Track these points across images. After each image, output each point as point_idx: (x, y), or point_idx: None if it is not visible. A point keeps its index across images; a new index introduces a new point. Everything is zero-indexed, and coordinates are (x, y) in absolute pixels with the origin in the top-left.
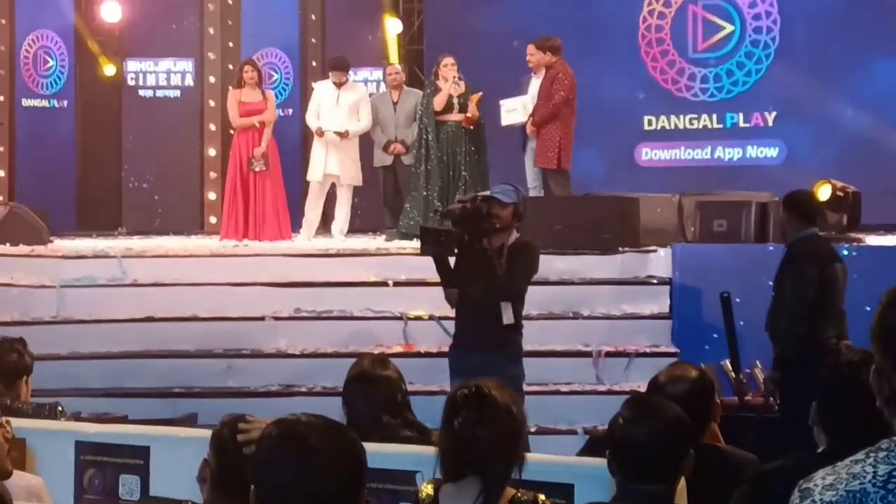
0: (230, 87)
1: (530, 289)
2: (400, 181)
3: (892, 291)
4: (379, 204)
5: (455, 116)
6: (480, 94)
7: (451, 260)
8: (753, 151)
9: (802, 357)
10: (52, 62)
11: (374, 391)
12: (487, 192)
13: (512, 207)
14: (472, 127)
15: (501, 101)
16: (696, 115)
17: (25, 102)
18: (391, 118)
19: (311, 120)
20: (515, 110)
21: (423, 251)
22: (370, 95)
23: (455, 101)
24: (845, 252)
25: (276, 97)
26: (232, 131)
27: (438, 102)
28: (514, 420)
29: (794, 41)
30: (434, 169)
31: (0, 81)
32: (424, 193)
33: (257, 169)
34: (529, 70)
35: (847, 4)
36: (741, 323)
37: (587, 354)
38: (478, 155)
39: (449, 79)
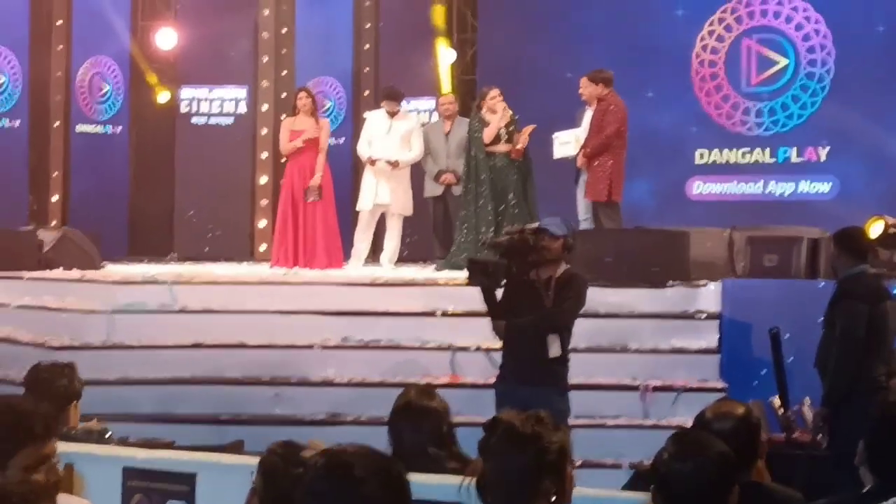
0: (283, 116)
1: (578, 321)
2: (450, 211)
3: None
4: (429, 234)
5: (503, 147)
6: (534, 126)
7: (499, 291)
8: (806, 186)
9: (851, 395)
10: (107, 88)
11: (421, 422)
12: (536, 224)
13: (562, 240)
14: (520, 158)
15: (555, 134)
16: (748, 150)
17: (80, 128)
18: (443, 148)
19: (363, 149)
20: (568, 143)
21: (471, 282)
22: (422, 125)
23: (502, 131)
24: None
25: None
26: (283, 160)
27: (488, 135)
28: (548, 451)
29: (848, 75)
30: (483, 200)
31: (55, 106)
32: (474, 224)
33: (311, 199)
34: (583, 102)
35: None
36: (790, 359)
37: (634, 388)
38: (525, 186)
39: (498, 111)
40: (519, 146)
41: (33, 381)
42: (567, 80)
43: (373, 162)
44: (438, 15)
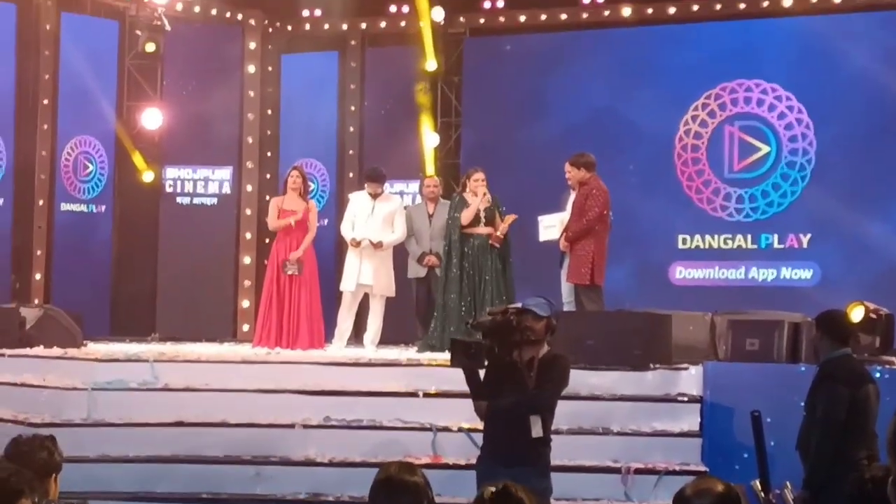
0: (267, 197)
1: (560, 402)
2: (433, 293)
3: None
4: (411, 315)
5: (481, 230)
6: (515, 217)
7: (482, 372)
8: (788, 273)
9: (832, 478)
10: (91, 167)
11: (401, 497)
12: (519, 305)
13: (546, 321)
14: (496, 246)
15: (540, 217)
16: (730, 235)
17: (64, 206)
18: (426, 230)
19: (346, 230)
20: (553, 226)
21: (453, 363)
22: (405, 207)
23: (482, 214)
24: (878, 374)
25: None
26: (267, 240)
27: (466, 217)
28: None
29: (829, 163)
30: (461, 281)
31: (40, 185)
32: (451, 305)
33: (289, 272)
34: (568, 186)
35: (882, 127)
36: (772, 443)
37: (616, 471)
38: (503, 268)
39: (479, 194)
40: (498, 233)
41: (13, 454)
42: (550, 164)
43: (356, 243)
44: (423, 98)
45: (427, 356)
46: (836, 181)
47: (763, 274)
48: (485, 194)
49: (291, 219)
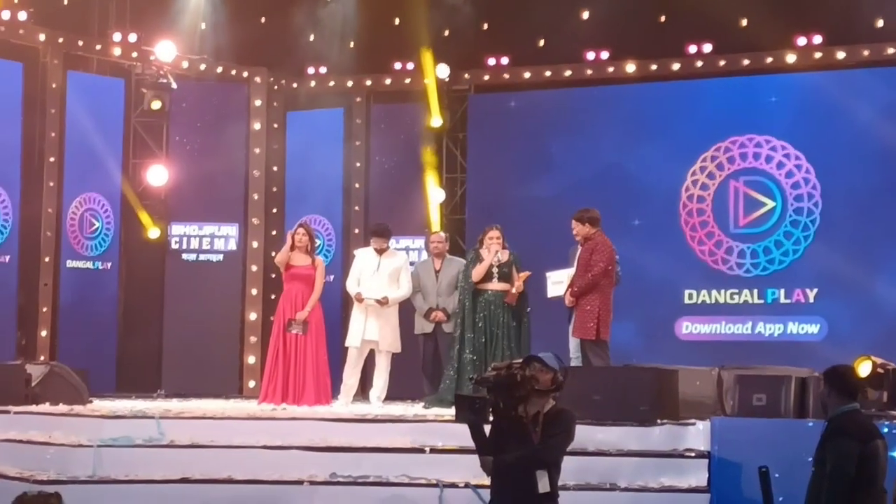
0: (272, 253)
1: (566, 458)
2: (440, 349)
3: None
4: (417, 371)
5: (495, 286)
6: (529, 273)
7: (487, 427)
8: (794, 328)
9: None
10: (97, 224)
11: None
12: (525, 357)
13: (552, 374)
14: (514, 304)
15: (548, 273)
16: (737, 290)
17: (70, 263)
18: (433, 286)
19: (352, 286)
20: (561, 282)
21: (458, 418)
22: (412, 263)
23: (495, 270)
24: (885, 429)
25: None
26: (273, 296)
27: (477, 273)
28: None
29: (835, 218)
30: (472, 337)
31: (46, 242)
32: (463, 361)
33: (294, 331)
34: (576, 241)
35: (887, 183)
36: (780, 499)
37: None
38: (518, 325)
39: (491, 251)
40: (514, 291)
41: None
42: (557, 219)
43: (361, 299)
44: (428, 155)
45: (434, 412)
46: (842, 235)
47: (770, 329)
48: (497, 251)
49: (300, 264)
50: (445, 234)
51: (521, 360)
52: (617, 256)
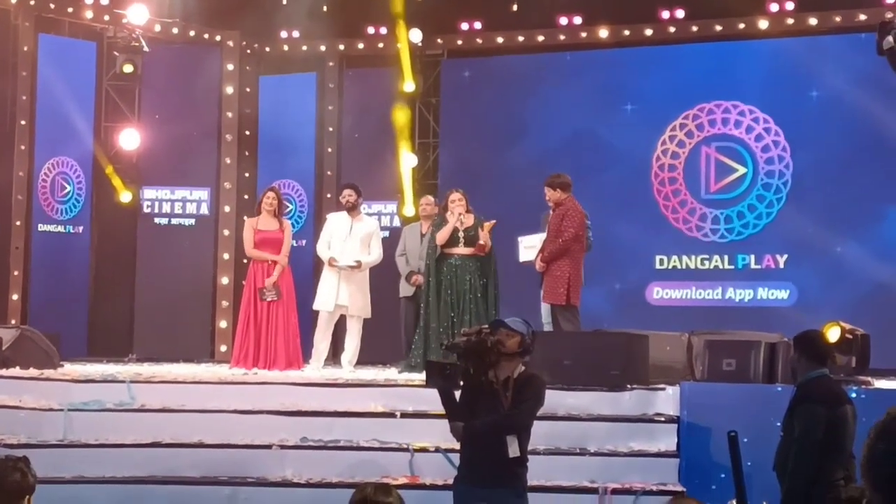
0: (244, 217)
1: (537, 423)
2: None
3: (879, 426)
4: (389, 336)
5: (461, 250)
6: (494, 221)
7: (458, 393)
8: (764, 293)
9: (810, 499)
10: (69, 188)
11: None
12: (492, 322)
13: (519, 337)
14: (483, 254)
15: (520, 238)
16: (707, 256)
17: (41, 227)
18: (417, 249)
19: (322, 250)
20: (533, 247)
21: (429, 384)
22: (384, 228)
23: (461, 234)
24: (854, 394)
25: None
26: (245, 261)
27: (441, 237)
28: None
29: (805, 184)
30: (441, 301)
31: (17, 206)
32: (432, 326)
33: (268, 299)
34: (549, 206)
35: (856, 152)
36: (749, 463)
37: (593, 491)
38: (486, 286)
39: (455, 214)
40: (481, 242)
41: None
42: (529, 184)
43: (335, 263)
44: (401, 119)
45: (404, 377)
46: (812, 201)
47: (740, 294)
48: (461, 214)
49: (269, 256)
50: (434, 198)
51: (490, 324)
52: (588, 222)
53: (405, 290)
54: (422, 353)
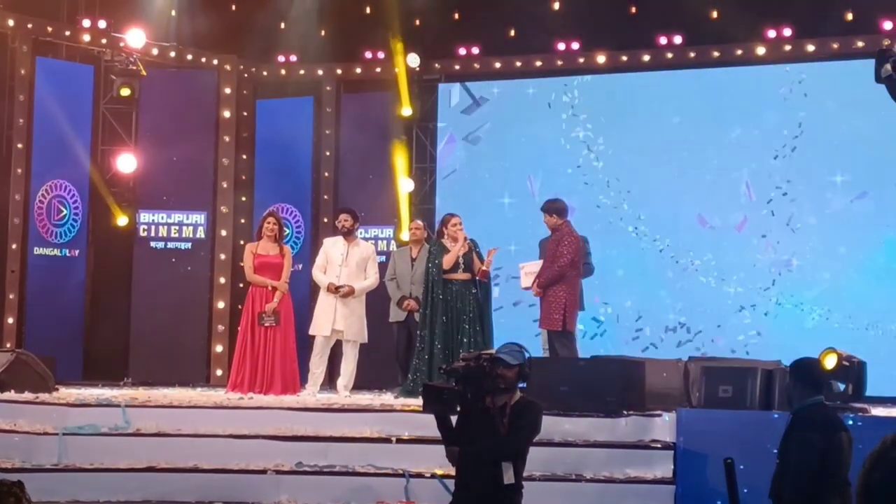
0: (241, 241)
1: (532, 449)
2: (413, 337)
3: (875, 454)
4: (384, 361)
5: (459, 275)
6: (497, 248)
7: (454, 418)
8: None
9: None
10: (65, 211)
11: None
12: (492, 351)
13: (517, 368)
14: (486, 280)
15: (521, 264)
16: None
17: (37, 251)
18: (408, 274)
19: (318, 275)
20: (534, 273)
21: (426, 409)
22: (381, 253)
23: (460, 259)
24: (850, 422)
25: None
26: (241, 285)
27: (447, 262)
28: None
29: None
30: (439, 327)
31: (13, 229)
32: (429, 351)
33: (266, 324)
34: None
35: (852, 174)
36: (745, 490)
37: None
38: (482, 312)
39: (459, 239)
40: (485, 268)
41: None
42: (528, 209)
43: (335, 288)
44: (398, 144)
45: (400, 402)
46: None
47: None
48: (465, 239)
49: (269, 283)
50: (424, 222)
51: (489, 353)
52: (588, 247)
53: (396, 314)
54: (421, 377)
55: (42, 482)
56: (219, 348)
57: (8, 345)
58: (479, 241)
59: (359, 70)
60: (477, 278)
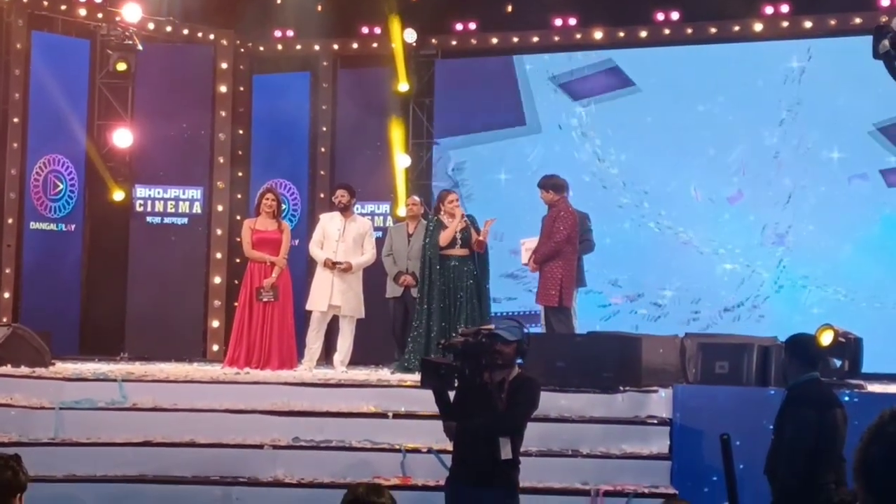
0: (237, 217)
1: (529, 425)
2: (409, 313)
3: (872, 429)
4: (380, 336)
5: (457, 251)
6: (494, 219)
7: (452, 393)
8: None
9: (799, 502)
10: (61, 186)
11: None
12: (491, 327)
13: (515, 344)
14: (482, 251)
15: (521, 240)
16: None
17: (33, 225)
18: (404, 249)
19: (315, 250)
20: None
21: (423, 384)
22: (377, 229)
23: (458, 235)
24: (846, 398)
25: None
26: (238, 260)
27: (444, 238)
28: None
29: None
30: (436, 302)
31: (9, 204)
32: (426, 326)
33: (265, 300)
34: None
35: (852, 154)
36: (741, 466)
37: (585, 493)
38: (479, 288)
39: (456, 215)
40: (481, 238)
41: None
42: (524, 186)
43: (332, 264)
44: (395, 120)
45: (397, 377)
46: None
47: None
48: (462, 215)
49: (267, 258)
50: (420, 198)
51: (488, 328)
52: (589, 224)
53: (393, 290)
54: (418, 353)
55: (38, 456)
56: (215, 323)
57: (4, 319)
58: (475, 217)
59: (355, 45)
60: (475, 251)
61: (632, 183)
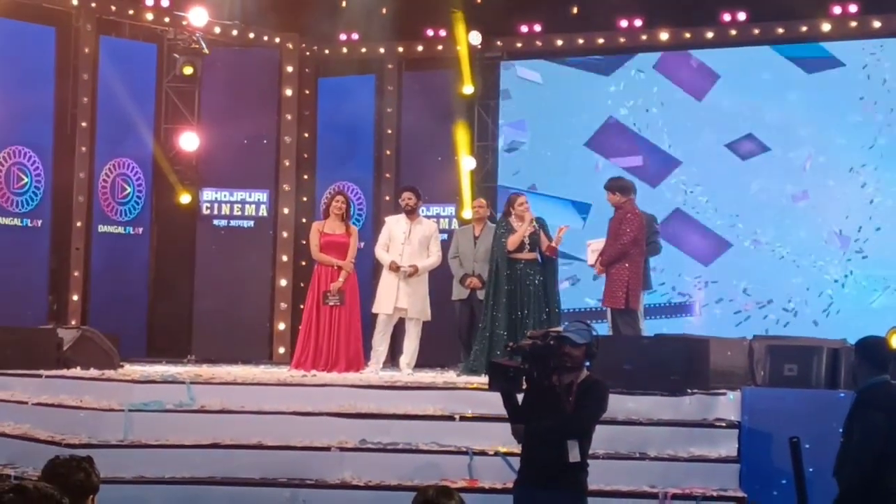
0: (303, 219)
1: (597, 427)
2: (475, 315)
3: None
4: (447, 339)
5: (525, 255)
6: (567, 226)
7: (520, 396)
8: None
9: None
10: (129, 189)
11: None
12: (560, 329)
13: (584, 347)
14: (555, 256)
15: (588, 242)
16: None
17: (101, 228)
18: (470, 252)
19: (381, 253)
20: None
21: (492, 386)
22: (443, 231)
23: (526, 239)
24: None
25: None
26: (304, 263)
27: (512, 242)
28: None
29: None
30: (503, 305)
31: (78, 207)
32: (492, 329)
33: (331, 303)
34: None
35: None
36: (810, 469)
37: (653, 496)
38: (547, 291)
39: (526, 219)
40: (554, 244)
41: (50, 475)
42: (591, 187)
43: (397, 267)
44: (460, 122)
45: (464, 379)
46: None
47: None
48: (531, 219)
49: (335, 262)
50: (487, 200)
51: (556, 330)
52: (657, 226)
53: (459, 292)
54: (484, 356)
55: (108, 458)
56: (281, 326)
57: (73, 322)
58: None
59: (420, 48)
60: (546, 254)
61: (691, 184)
